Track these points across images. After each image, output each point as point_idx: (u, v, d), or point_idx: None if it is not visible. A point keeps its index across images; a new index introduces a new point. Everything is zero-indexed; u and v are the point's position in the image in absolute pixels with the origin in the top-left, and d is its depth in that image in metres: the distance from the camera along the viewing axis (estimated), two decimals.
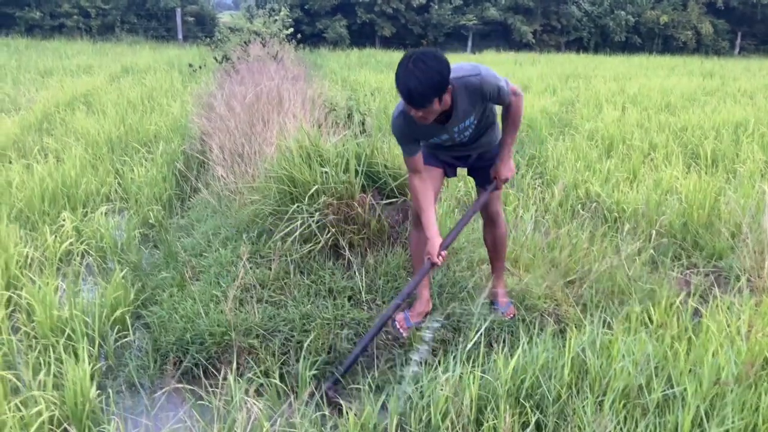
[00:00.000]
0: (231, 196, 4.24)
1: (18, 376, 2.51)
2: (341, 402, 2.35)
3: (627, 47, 22.43)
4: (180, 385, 2.56)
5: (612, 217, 4.39)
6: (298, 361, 2.59)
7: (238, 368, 2.59)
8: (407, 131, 2.58)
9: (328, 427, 2.27)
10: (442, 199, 4.33)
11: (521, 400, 2.20)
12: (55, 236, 3.75)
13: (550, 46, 22.48)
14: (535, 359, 2.31)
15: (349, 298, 3.06)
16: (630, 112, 7.93)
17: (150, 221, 4.37)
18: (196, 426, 2.35)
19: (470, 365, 2.29)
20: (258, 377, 2.52)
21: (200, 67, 10.85)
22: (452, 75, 2.34)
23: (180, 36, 20.09)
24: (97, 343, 2.80)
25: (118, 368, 2.79)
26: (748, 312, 2.73)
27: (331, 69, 12.92)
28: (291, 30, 13.73)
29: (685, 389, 2.15)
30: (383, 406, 2.27)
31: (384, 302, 3.05)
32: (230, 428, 2.20)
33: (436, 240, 2.62)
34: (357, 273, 3.15)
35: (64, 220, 3.94)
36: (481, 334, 2.56)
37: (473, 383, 2.17)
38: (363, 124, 5.27)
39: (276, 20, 13.74)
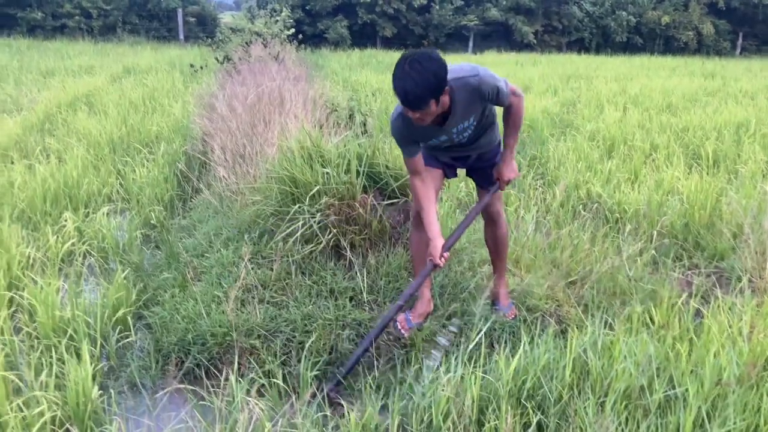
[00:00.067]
0: (232, 197, 4.25)
1: (20, 376, 2.51)
2: (343, 403, 2.35)
3: (628, 48, 22.41)
4: (182, 386, 2.56)
5: (613, 217, 4.39)
6: (299, 361, 2.60)
7: (239, 369, 2.59)
8: (406, 133, 2.58)
9: (330, 428, 2.27)
10: (443, 200, 4.33)
11: (523, 400, 2.20)
12: (57, 237, 3.76)
13: (552, 46, 22.46)
14: (536, 360, 2.31)
15: (351, 299, 3.06)
16: (631, 113, 7.93)
17: (152, 222, 4.38)
18: (198, 426, 2.35)
19: (472, 366, 2.29)
20: (259, 378, 2.52)
21: (202, 68, 10.85)
22: (450, 76, 2.33)
23: (181, 36, 20.11)
24: (98, 343, 2.81)
25: (119, 369, 2.79)
26: (750, 313, 2.73)
27: (333, 69, 12.92)
28: (292, 30, 13.73)
29: (687, 390, 2.14)
30: (385, 407, 2.28)
31: (385, 303, 3.05)
32: (232, 429, 2.21)
33: (438, 241, 2.62)
34: (358, 273, 3.15)
35: (65, 221, 3.94)
36: (482, 334, 2.56)
37: (475, 384, 2.17)
38: (364, 124, 5.28)
39: (277, 21, 13.74)
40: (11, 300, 3.10)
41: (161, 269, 3.58)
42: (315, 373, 2.53)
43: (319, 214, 3.27)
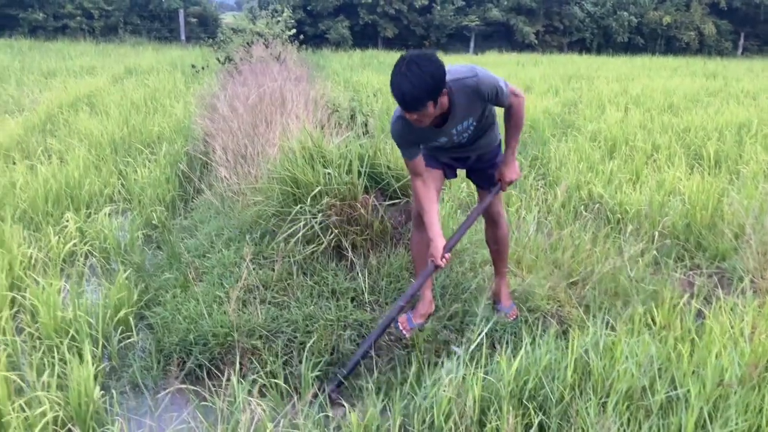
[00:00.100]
0: (234, 197, 4.25)
1: (22, 376, 2.52)
2: (344, 403, 2.35)
3: (630, 48, 22.40)
4: (183, 386, 2.57)
5: (615, 218, 4.39)
6: (301, 362, 2.60)
7: (241, 369, 2.59)
8: (406, 135, 2.57)
9: (331, 428, 2.28)
10: (444, 201, 4.33)
11: (524, 401, 2.20)
12: (59, 237, 3.76)
13: (553, 46, 22.45)
14: (538, 360, 2.31)
15: (352, 300, 3.06)
16: (633, 113, 7.92)
17: (153, 222, 4.38)
18: (200, 427, 2.35)
19: (473, 366, 2.29)
20: (261, 378, 2.53)
21: (203, 68, 10.86)
22: (449, 77, 2.33)
23: (183, 37, 20.13)
24: (100, 343, 2.81)
25: (121, 369, 2.79)
26: (752, 313, 2.73)
27: (334, 70, 12.92)
28: (294, 31, 13.73)
29: (689, 391, 2.14)
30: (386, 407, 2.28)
31: (387, 303, 3.05)
32: (234, 429, 2.21)
33: (439, 242, 2.62)
34: (360, 274, 3.15)
35: (67, 221, 3.95)
36: (483, 335, 2.56)
37: (476, 384, 2.17)
38: (366, 125, 5.29)
39: (279, 21, 13.74)
40: (13, 300, 3.11)
41: (163, 269, 3.58)
42: (316, 373, 2.54)
43: (320, 214, 3.28)
